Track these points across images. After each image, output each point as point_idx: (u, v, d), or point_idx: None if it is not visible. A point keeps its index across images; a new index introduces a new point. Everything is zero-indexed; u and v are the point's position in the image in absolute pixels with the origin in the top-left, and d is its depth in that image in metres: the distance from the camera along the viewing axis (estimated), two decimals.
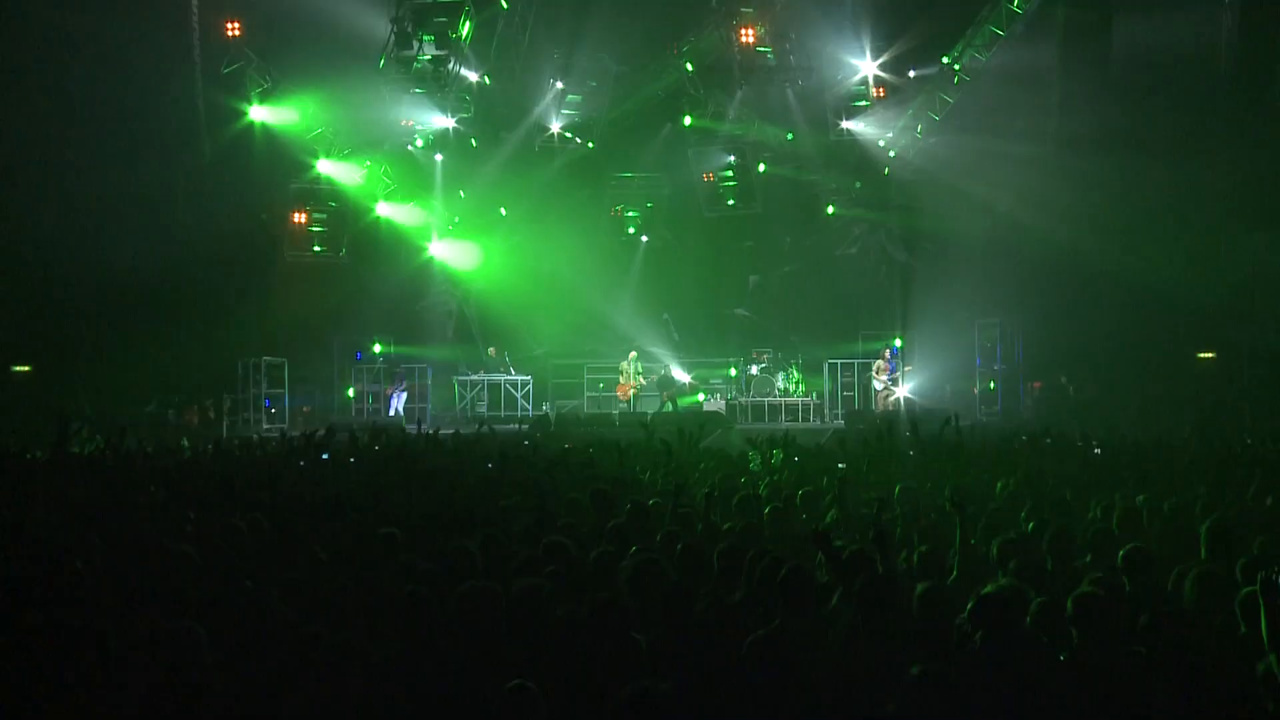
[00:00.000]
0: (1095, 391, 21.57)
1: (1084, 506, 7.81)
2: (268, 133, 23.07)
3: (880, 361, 23.36)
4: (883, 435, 10.32)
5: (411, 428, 19.05)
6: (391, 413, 23.24)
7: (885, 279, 26.56)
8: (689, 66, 23.62)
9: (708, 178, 25.52)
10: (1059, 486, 8.65)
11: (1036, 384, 23.02)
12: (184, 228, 22.55)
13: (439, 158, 24.95)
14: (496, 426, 19.19)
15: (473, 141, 24.57)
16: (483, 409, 24.63)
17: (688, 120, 24.38)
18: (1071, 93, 21.86)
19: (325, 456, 11.88)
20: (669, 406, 23.31)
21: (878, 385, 23.22)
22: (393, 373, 24.11)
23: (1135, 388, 21.05)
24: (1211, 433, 12.91)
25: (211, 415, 22.68)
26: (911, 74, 23.30)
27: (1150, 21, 21.11)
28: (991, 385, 23.20)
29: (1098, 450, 11.32)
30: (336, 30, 21.94)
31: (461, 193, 26.08)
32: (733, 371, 25.69)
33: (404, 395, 23.88)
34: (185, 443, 15.91)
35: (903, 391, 23.15)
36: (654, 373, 24.32)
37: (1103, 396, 21.04)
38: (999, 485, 8.68)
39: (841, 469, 9.71)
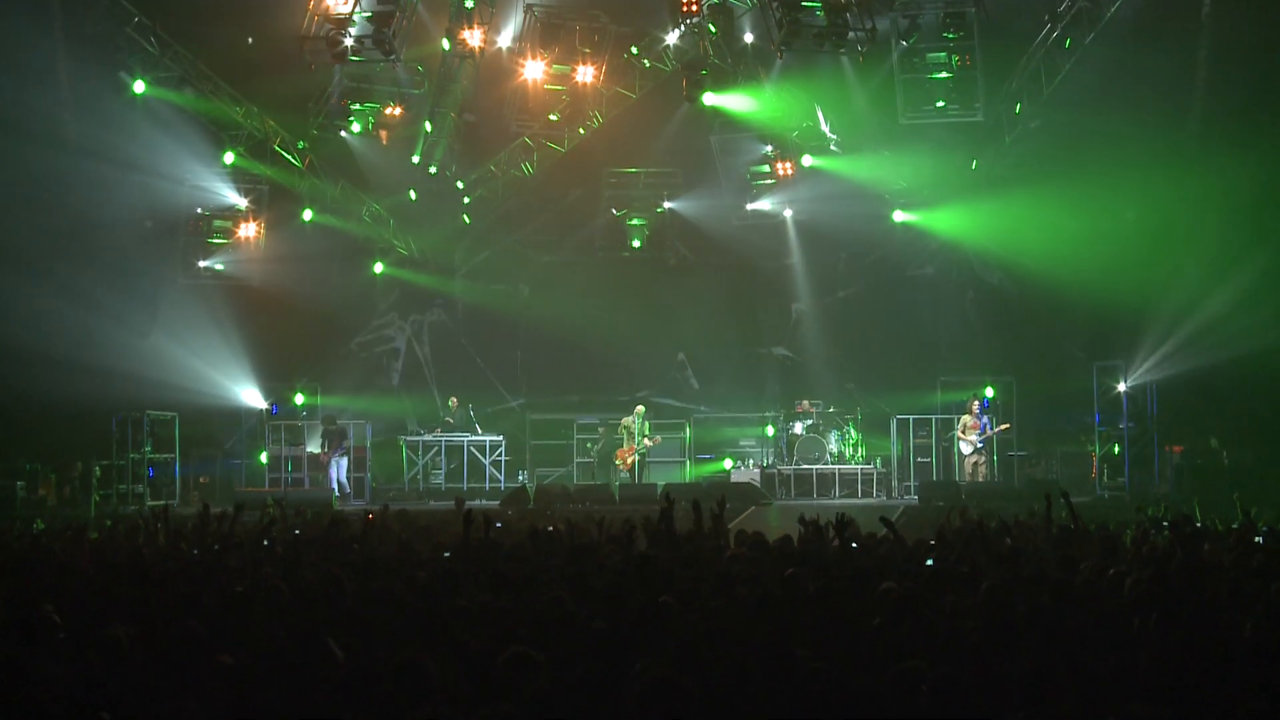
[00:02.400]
0: (1256, 458, 21.43)
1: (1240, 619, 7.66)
2: (155, 113, 23.16)
3: (968, 417, 23.17)
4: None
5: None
6: (333, 483, 23.12)
7: (971, 307, 26.54)
8: (712, 28, 23.75)
9: (738, 173, 25.64)
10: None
11: (1176, 448, 22.87)
12: (40, 235, 22.50)
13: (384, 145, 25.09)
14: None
15: (427, 126, 24.66)
16: (439, 479, 24.52)
17: (709, 98, 24.47)
18: (1225, 52, 21.65)
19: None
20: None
21: (965, 448, 23.06)
22: (328, 430, 23.91)
23: None
24: None
25: (69, 490, 22.57)
26: (1005, 37, 23.30)
27: None
28: (1116, 449, 23.06)
29: (1259, 537, 11.22)
30: None
31: (413, 193, 26.11)
32: (770, 430, 25.66)
33: (345, 460, 23.69)
34: (39, 524, 15.83)
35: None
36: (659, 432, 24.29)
37: (1267, 464, 20.88)
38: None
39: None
